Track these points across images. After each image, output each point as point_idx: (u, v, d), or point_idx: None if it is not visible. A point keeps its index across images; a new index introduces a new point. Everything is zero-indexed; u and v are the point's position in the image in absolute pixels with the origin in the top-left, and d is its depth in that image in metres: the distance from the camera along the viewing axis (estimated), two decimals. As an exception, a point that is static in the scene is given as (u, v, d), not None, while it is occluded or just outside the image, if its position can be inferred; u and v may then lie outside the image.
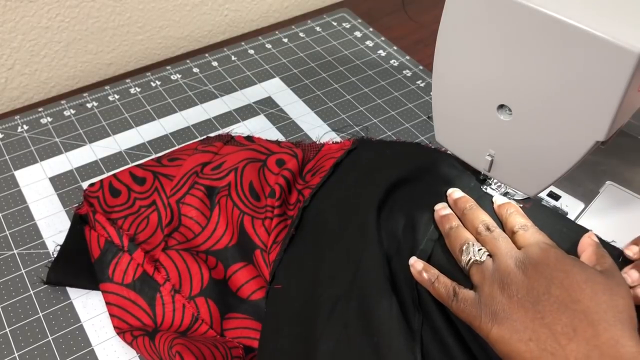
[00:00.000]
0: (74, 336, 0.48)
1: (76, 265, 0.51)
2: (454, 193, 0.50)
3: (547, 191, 0.53)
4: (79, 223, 0.54)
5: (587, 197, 0.53)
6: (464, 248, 0.44)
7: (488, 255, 0.43)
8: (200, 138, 0.65)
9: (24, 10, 0.69)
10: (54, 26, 0.72)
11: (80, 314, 0.50)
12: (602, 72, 0.36)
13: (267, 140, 0.61)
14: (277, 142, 0.61)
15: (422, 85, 0.73)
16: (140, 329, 0.47)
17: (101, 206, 0.54)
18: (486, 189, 0.51)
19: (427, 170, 0.54)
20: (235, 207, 0.53)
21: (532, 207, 0.50)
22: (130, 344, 0.47)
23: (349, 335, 0.43)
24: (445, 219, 0.48)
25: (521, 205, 0.49)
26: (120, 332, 0.48)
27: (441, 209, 0.49)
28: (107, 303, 0.49)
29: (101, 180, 0.56)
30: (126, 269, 0.50)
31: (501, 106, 0.43)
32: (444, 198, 0.50)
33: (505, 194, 0.50)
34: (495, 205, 0.49)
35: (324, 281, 0.47)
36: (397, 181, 0.52)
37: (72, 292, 0.51)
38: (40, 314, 0.50)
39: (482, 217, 0.46)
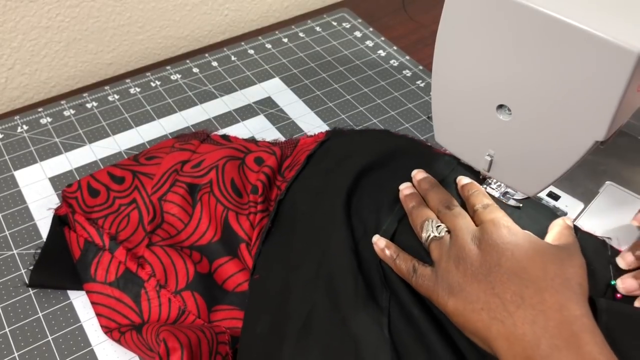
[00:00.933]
0: (73, 336, 0.48)
1: (58, 267, 0.51)
2: (418, 174, 0.52)
3: (546, 191, 0.53)
4: (59, 224, 0.54)
5: (586, 197, 0.53)
6: (424, 225, 0.46)
7: (447, 231, 0.45)
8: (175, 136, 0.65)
9: (25, 10, 0.69)
10: (54, 26, 0.72)
11: (80, 314, 0.50)
12: (601, 72, 0.36)
13: (244, 139, 0.63)
14: (255, 142, 0.62)
15: (422, 85, 0.73)
16: (127, 325, 0.48)
17: (80, 207, 0.55)
18: (485, 188, 0.50)
19: (395, 156, 0.56)
20: (218, 203, 0.54)
21: (531, 206, 0.50)
22: (118, 341, 0.47)
23: (317, 313, 0.44)
24: (409, 197, 0.50)
25: (520, 205, 0.49)
26: (108, 331, 0.48)
27: (405, 188, 0.51)
28: (93, 303, 0.50)
29: (79, 181, 0.56)
30: (108, 268, 0.51)
31: (501, 106, 0.43)
32: (409, 180, 0.52)
33: (505, 194, 0.50)
34: (458, 186, 0.50)
35: (295, 267, 0.48)
36: (366, 167, 0.54)
37: (72, 292, 0.51)
38: (40, 314, 0.50)
39: (443, 196, 0.48)
